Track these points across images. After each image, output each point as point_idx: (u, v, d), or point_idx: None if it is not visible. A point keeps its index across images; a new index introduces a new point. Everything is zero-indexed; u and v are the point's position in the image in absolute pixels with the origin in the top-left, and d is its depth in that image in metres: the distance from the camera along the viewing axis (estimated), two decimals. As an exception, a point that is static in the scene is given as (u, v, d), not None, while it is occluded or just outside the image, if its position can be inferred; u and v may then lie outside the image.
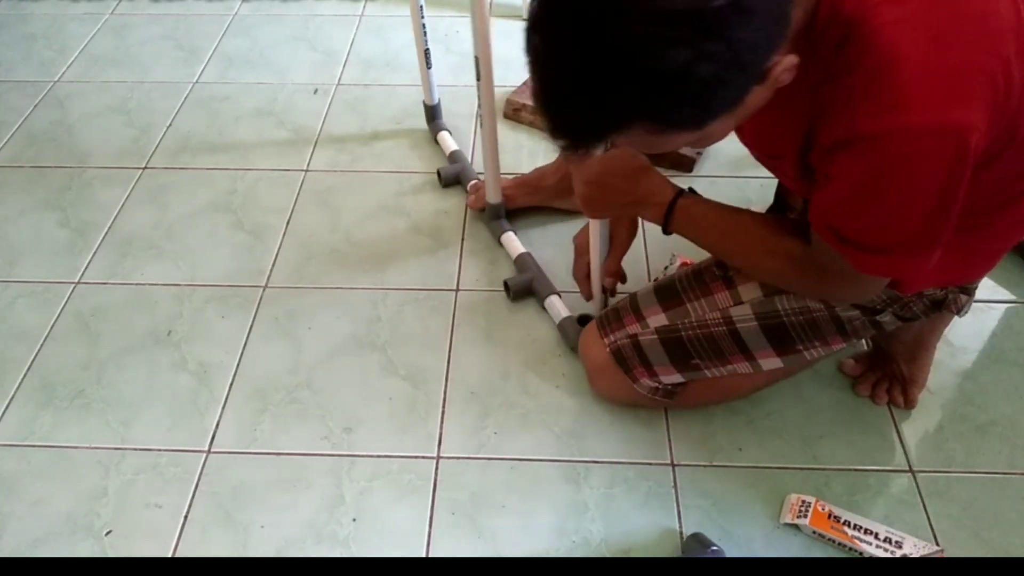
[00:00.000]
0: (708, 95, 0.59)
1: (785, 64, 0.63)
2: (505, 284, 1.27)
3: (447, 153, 1.52)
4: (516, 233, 1.35)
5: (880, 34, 0.64)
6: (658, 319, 1.02)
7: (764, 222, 0.91)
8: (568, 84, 0.61)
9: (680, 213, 0.91)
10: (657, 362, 1.02)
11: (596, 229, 1.04)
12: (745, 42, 0.57)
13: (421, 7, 1.35)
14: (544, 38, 0.61)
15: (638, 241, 1.37)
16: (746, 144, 0.92)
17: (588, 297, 1.17)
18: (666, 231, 0.93)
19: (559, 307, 1.22)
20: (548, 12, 0.60)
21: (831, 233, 0.76)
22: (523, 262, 1.30)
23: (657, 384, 1.04)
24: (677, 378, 1.03)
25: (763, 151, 0.89)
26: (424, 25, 1.38)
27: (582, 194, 0.94)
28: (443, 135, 1.55)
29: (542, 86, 0.63)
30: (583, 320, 1.16)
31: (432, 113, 1.57)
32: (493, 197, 1.34)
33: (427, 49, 1.43)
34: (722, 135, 0.73)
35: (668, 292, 1.03)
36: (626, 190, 0.92)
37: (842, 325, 0.95)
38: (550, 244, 1.36)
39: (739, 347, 0.98)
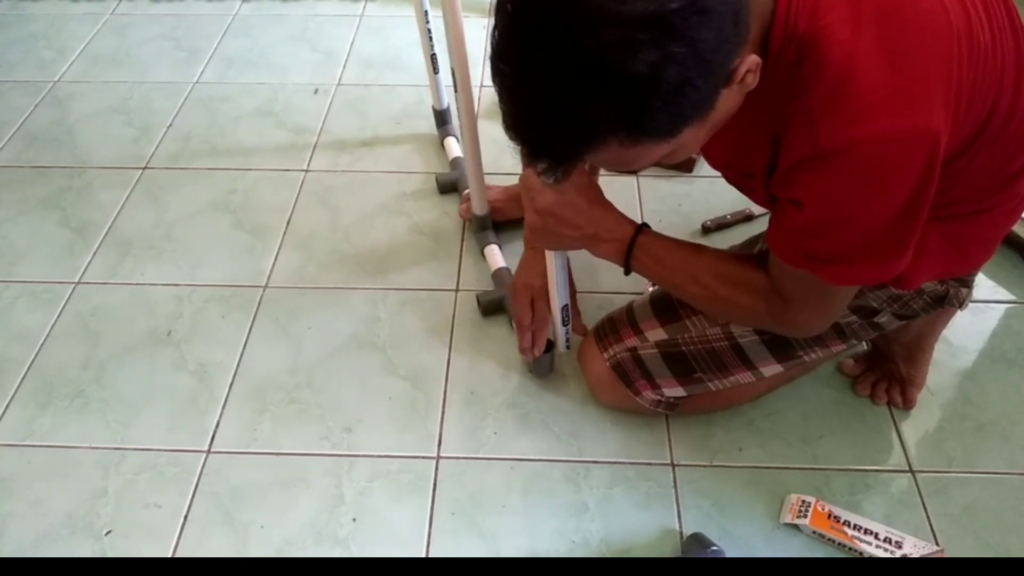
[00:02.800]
0: (679, 99, 0.58)
1: (749, 64, 0.63)
2: (477, 299, 1.26)
3: (450, 159, 1.52)
4: (501, 246, 1.34)
5: (833, 51, 0.65)
6: (657, 333, 1.02)
7: (726, 258, 0.90)
8: (541, 102, 0.60)
9: (641, 251, 0.88)
10: (659, 375, 1.02)
11: (553, 262, 0.98)
12: (707, 42, 0.57)
13: (426, 12, 1.34)
14: (511, 63, 0.61)
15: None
16: (716, 167, 0.90)
17: (531, 357, 1.12)
18: (627, 270, 0.90)
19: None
20: (511, 38, 0.60)
21: (799, 255, 0.75)
22: (499, 277, 1.28)
23: (660, 397, 1.04)
24: (679, 391, 1.03)
25: (733, 171, 0.88)
26: (430, 30, 1.37)
27: (533, 224, 0.90)
28: (450, 141, 1.55)
29: (516, 111, 0.63)
30: (546, 347, 1.11)
31: (441, 118, 1.56)
32: (478, 208, 1.33)
33: (434, 54, 1.42)
34: (695, 146, 0.72)
35: (665, 306, 1.02)
36: (581, 223, 0.88)
37: (840, 329, 0.95)
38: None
39: (741, 359, 0.98)
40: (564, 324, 1.08)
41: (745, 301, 0.86)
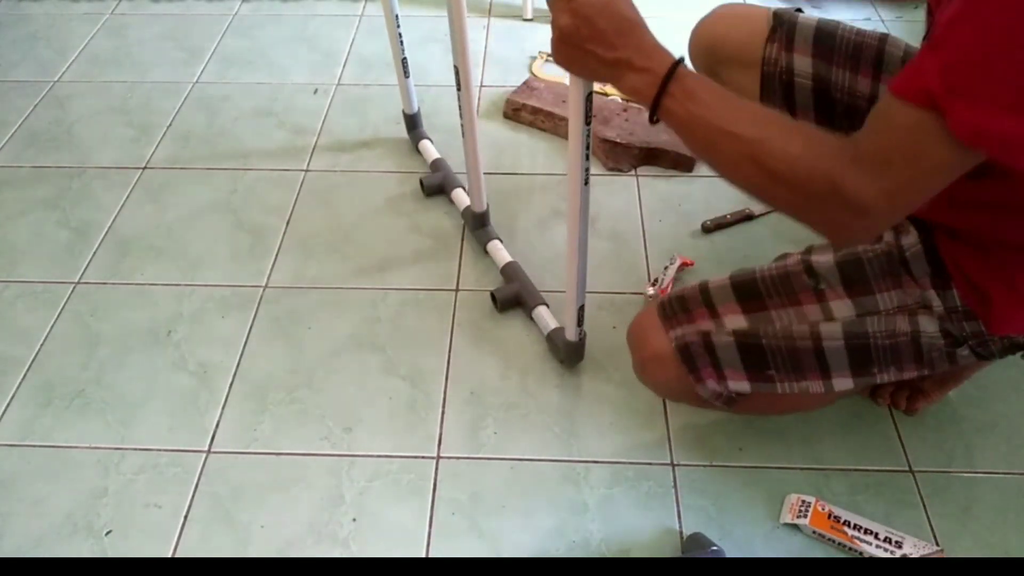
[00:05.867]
0: None
1: None
2: (492, 295, 1.26)
3: (429, 162, 1.51)
4: (502, 241, 1.34)
5: None
6: (736, 320, 0.92)
7: (781, 112, 0.79)
8: None
9: (677, 86, 0.72)
10: (730, 365, 0.93)
11: (576, 219, 0.93)
12: None
13: (397, 16, 1.34)
14: None
15: (638, 241, 1.37)
16: None
17: None
18: (654, 113, 0.74)
19: (547, 319, 1.21)
20: None
21: (929, 84, 0.59)
22: (510, 272, 1.29)
23: (722, 390, 0.95)
24: (745, 386, 0.94)
25: None
26: (400, 35, 1.38)
27: (563, 27, 0.74)
28: (424, 144, 1.54)
29: None
30: (581, 335, 1.13)
31: (412, 122, 1.55)
32: (477, 206, 1.33)
33: (404, 59, 1.42)
34: None
35: (749, 291, 0.93)
36: (615, 41, 0.73)
37: (921, 354, 0.88)
38: (537, 252, 1.36)
39: (819, 365, 0.90)
40: (579, 324, 1.10)
41: (801, 155, 0.68)
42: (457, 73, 1.14)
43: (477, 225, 1.36)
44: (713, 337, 0.93)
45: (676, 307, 0.96)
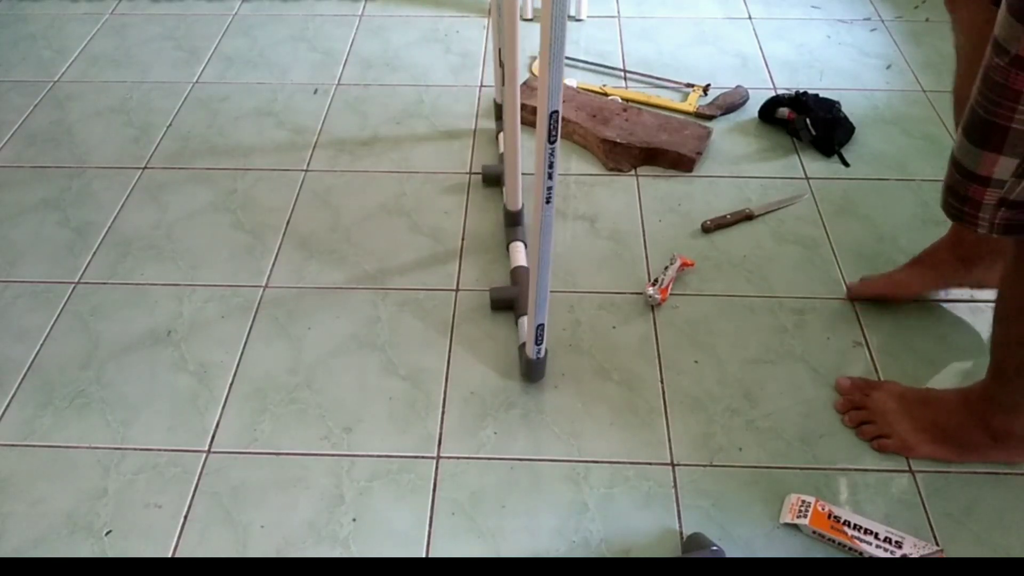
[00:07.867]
0: None
1: None
2: (490, 293, 1.26)
3: (500, 152, 1.52)
4: (526, 244, 1.34)
5: None
6: (1001, 166, 0.78)
7: None
8: None
9: None
10: None
11: (538, 238, 0.90)
12: None
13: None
14: None
15: (638, 241, 1.37)
16: None
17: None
18: None
19: (526, 330, 1.17)
20: None
21: None
22: (517, 275, 1.29)
23: None
24: None
25: None
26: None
27: None
28: (503, 135, 1.55)
29: None
30: (541, 354, 1.12)
31: (501, 112, 1.55)
32: (512, 204, 1.34)
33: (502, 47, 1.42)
34: None
35: (982, 130, 0.77)
36: None
37: None
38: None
39: None
40: (538, 343, 1.08)
41: None
42: (503, 68, 1.14)
43: (510, 222, 1.37)
44: (1006, 196, 0.80)
45: (956, 205, 0.85)
